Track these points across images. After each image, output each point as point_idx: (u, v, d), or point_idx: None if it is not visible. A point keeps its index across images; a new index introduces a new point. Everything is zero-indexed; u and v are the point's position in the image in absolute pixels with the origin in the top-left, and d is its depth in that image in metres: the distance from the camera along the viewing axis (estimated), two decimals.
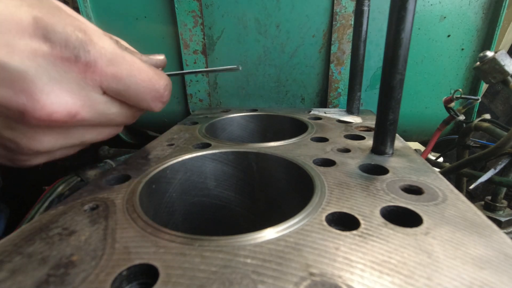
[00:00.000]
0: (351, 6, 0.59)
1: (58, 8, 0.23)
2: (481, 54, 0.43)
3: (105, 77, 0.24)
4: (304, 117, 0.52)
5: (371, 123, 0.47)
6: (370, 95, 0.68)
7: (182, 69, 0.68)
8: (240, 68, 0.47)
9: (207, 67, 0.68)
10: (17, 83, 0.20)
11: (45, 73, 0.21)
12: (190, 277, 0.16)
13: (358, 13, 0.49)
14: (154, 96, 0.28)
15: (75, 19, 0.23)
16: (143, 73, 0.27)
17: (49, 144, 0.24)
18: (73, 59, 0.22)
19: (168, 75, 0.47)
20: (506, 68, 0.41)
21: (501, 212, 0.46)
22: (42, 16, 0.21)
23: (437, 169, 0.48)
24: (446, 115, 0.54)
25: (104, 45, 0.24)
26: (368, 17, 0.49)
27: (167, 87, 0.29)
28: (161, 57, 0.37)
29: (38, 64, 0.21)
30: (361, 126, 0.46)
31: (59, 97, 0.22)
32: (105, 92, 0.26)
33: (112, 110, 0.27)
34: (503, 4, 0.56)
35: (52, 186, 0.41)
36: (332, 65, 0.64)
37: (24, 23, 0.20)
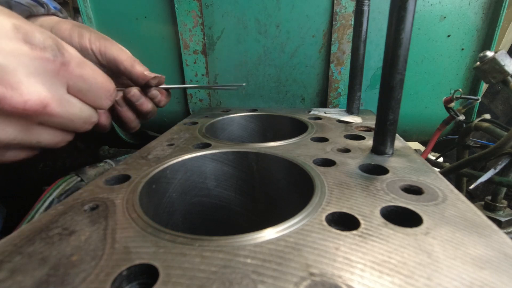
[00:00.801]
0: (351, 6, 0.59)
1: (31, 22, 0.27)
2: (481, 54, 0.43)
3: (73, 76, 0.29)
4: (304, 117, 0.52)
5: (371, 123, 0.47)
6: (370, 95, 0.68)
7: (182, 69, 0.68)
8: (244, 85, 0.50)
9: (207, 68, 0.68)
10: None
11: (24, 68, 0.25)
12: (190, 277, 0.16)
13: (358, 13, 0.49)
14: (106, 95, 0.34)
15: (46, 31, 0.28)
16: (101, 76, 0.33)
17: (11, 136, 0.27)
18: (51, 59, 0.27)
19: (170, 88, 0.49)
20: (506, 68, 0.41)
21: (501, 212, 0.46)
22: (20, 24, 0.25)
23: (437, 169, 0.48)
24: (446, 115, 0.54)
25: (72, 52, 0.29)
26: (368, 17, 0.49)
27: (115, 89, 0.36)
28: (159, 75, 0.46)
29: (18, 61, 0.25)
30: (361, 126, 0.46)
31: (35, 88, 0.26)
32: (69, 92, 0.30)
33: (74, 109, 0.31)
34: (503, 4, 0.56)
35: (52, 186, 0.41)
36: (332, 65, 0.64)
37: (6, 28, 0.24)
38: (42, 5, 0.44)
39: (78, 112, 0.32)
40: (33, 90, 0.26)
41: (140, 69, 0.44)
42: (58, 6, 0.48)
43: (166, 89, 0.49)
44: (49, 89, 0.27)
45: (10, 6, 0.40)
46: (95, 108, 0.35)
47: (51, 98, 0.27)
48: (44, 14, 0.45)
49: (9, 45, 0.24)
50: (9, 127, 0.26)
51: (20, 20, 0.26)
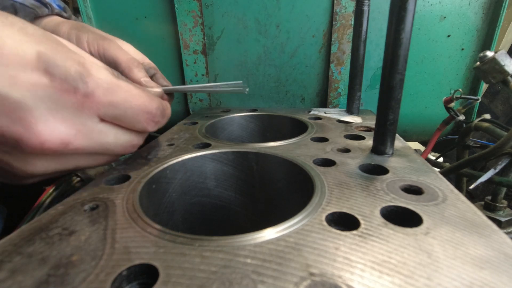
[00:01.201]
0: (351, 6, 0.59)
1: (61, 44, 0.25)
2: (481, 54, 0.43)
3: (102, 105, 0.26)
4: (304, 117, 0.52)
5: (371, 123, 0.47)
6: (370, 95, 0.68)
7: (182, 69, 0.68)
8: (247, 91, 0.49)
9: (207, 67, 0.68)
10: (15, 112, 0.22)
11: (43, 103, 0.23)
12: (190, 277, 0.16)
13: (358, 13, 0.49)
14: (147, 117, 0.30)
15: (75, 54, 0.25)
16: (137, 97, 0.28)
17: (42, 168, 0.25)
18: (72, 90, 0.24)
19: (171, 90, 0.47)
20: (506, 68, 0.41)
21: (501, 212, 0.46)
22: (45, 51, 0.23)
23: (437, 169, 0.48)
24: (446, 115, 0.54)
25: (101, 76, 0.26)
26: (368, 17, 0.49)
27: (159, 108, 0.31)
28: (158, 90, 0.40)
29: (37, 95, 0.22)
30: (361, 126, 0.46)
31: (53, 127, 0.23)
32: (102, 119, 0.27)
33: (108, 138, 0.28)
34: (503, 4, 0.56)
35: (52, 186, 0.41)
36: (332, 65, 0.64)
37: (28, 58, 0.22)
38: (46, 5, 0.44)
39: (113, 140, 0.28)
40: (51, 130, 0.23)
41: (137, 75, 0.40)
42: (62, 5, 0.48)
43: (168, 93, 0.48)
44: (72, 125, 0.25)
45: (15, 9, 0.40)
46: (138, 134, 0.31)
47: (74, 134, 0.25)
48: (48, 15, 0.44)
49: (29, 77, 0.22)
50: (38, 161, 0.25)
51: (48, 44, 0.23)
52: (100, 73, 0.26)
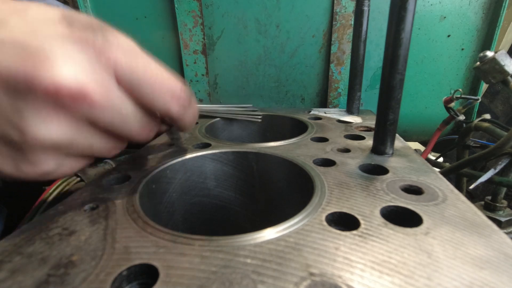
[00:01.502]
0: (351, 6, 0.59)
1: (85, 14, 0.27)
2: (481, 54, 0.43)
3: (119, 64, 0.25)
4: (304, 117, 0.52)
5: (371, 123, 0.47)
6: (370, 95, 0.68)
7: (182, 69, 0.68)
8: (260, 120, 0.52)
9: (207, 67, 0.68)
10: (32, 56, 0.22)
11: (60, 49, 0.23)
12: (190, 277, 0.16)
13: (358, 13, 0.49)
14: (170, 95, 0.27)
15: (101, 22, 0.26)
16: (158, 71, 0.27)
17: (57, 134, 0.23)
18: (90, 40, 0.24)
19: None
20: (506, 68, 0.41)
21: (501, 212, 0.46)
22: (70, 14, 0.24)
23: (437, 169, 0.48)
24: (446, 115, 0.54)
25: (122, 39, 0.26)
26: (368, 17, 0.49)
27: (183, 89, 0.28)
28: None
29: (55, 42, 0.23)
30: (361, 126, 0.46)
31: (70, 71, 0.23)
32: (119, 84, 0.26)
33: (125, 106, 0.26)
34: (503, 4, 0.56)
35: (52, 186, 0.41)
36: (332, 65, 0.64)
37: (52, 16, 0.24)
38: None
39: (131, 112, 0.26)
40: (68, 74, 0.22)
41: None
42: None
43: None
44: (90, 76, 0.23)
45: None
46: (157, 111, 0.28)
47: (92, 87, 0.23)
48: None
49: (51, 29, 0.23)
50: (52, 123, 0.23)
51: (72, 11, 0.25)
52: (123, 37, 0.26)
